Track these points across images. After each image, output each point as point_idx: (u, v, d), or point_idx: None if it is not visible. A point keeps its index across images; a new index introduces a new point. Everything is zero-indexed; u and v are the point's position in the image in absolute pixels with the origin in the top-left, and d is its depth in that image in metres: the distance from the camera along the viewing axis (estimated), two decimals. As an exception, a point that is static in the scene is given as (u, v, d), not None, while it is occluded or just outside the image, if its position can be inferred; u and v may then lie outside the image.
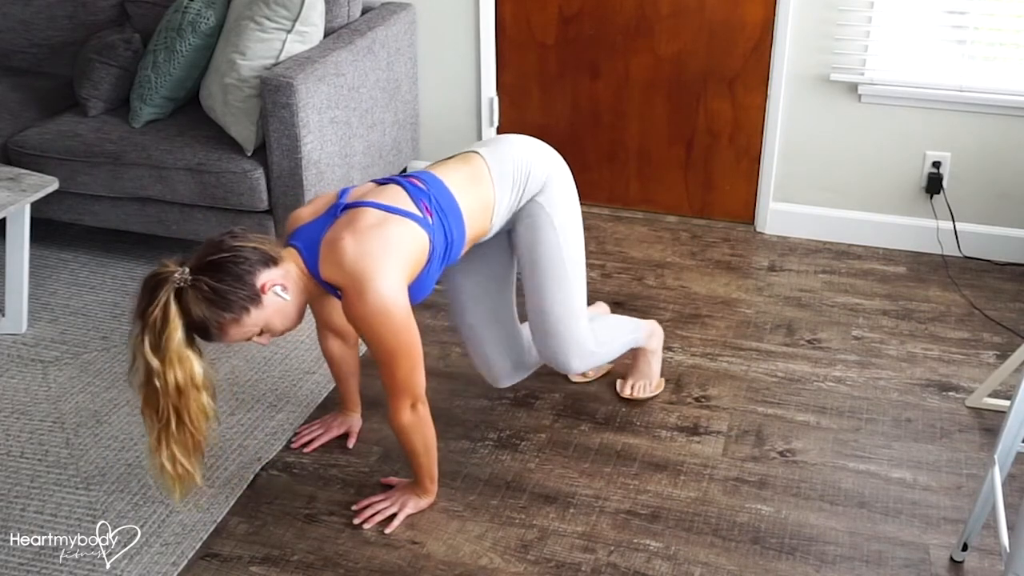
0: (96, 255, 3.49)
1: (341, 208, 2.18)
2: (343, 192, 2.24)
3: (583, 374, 2.80)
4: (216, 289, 1.99)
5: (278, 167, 3.10)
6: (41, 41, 3.80)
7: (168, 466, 2.05)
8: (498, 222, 2.35)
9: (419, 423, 2.26)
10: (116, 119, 3.38)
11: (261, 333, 2.11)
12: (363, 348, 2.88)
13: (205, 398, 2.04)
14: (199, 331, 2.03)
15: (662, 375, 2.84)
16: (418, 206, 2.20)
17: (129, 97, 3.41)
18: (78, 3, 3.72)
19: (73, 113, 3.44)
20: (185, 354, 1.99)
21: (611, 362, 2.79)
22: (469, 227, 2.28)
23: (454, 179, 2.28)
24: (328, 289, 2.17)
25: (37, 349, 3.00)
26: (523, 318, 2.58)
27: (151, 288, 1.99)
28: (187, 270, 2.00)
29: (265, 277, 2.05)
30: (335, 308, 2.42)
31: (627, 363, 2.80)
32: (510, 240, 2.44)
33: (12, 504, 2.41)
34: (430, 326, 3.08)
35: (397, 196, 2.21)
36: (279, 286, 2.07)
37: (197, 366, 2.01)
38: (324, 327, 2.52)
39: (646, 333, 2.74)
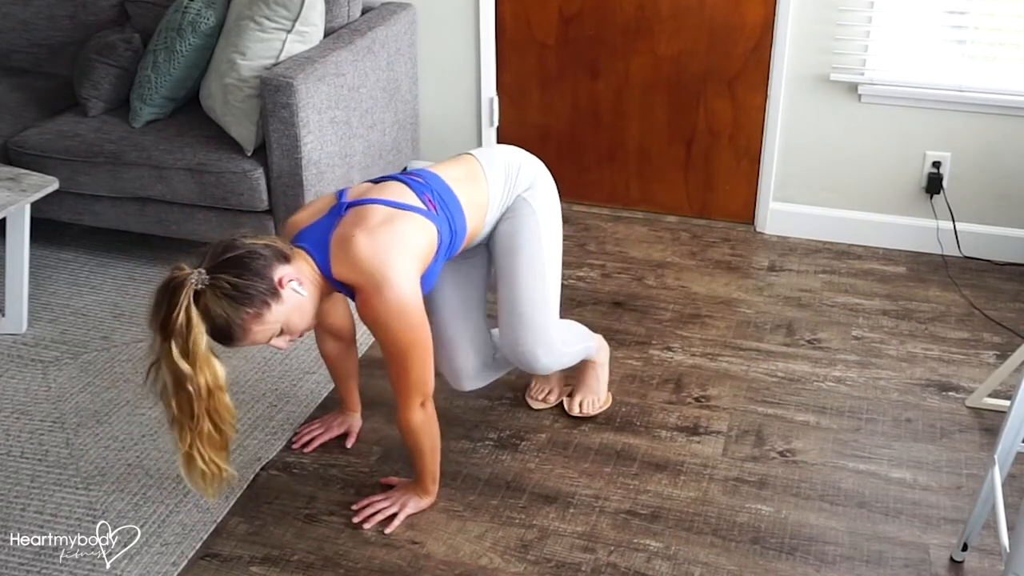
0: (96, 255, 3.49)
1: (344, 207, 2.18)
2: (341, 193, 2.24)
3: (544, 399, 2.74)
4: (236, 285, 1.97)
5: (278, 167, 3.10)
6: (41, 41, 3.80)
7: (204, 468, 2.05)
8: (491, 220, 2.36)
9: (428, 422, 2.26)
10: (116, 119, 3.38)
11: (281, 333, 2.09)
12: (362, 349, 2.88)
13: (227, 397, 2.04)
14: (221, 334, 2.00)
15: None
16: (421, 199, 2.21)
17: (129, 97, 3.41)
18: (78, 3, 3.72)
19: (73, 113, 3.44)
20: (209, 357, 1.99)
21: (565, 384, 2.76)
22: (468, 219, 2.29)
23: (451, 175, 2.31)
24: (340, 288, 2.16)
25: (37, 349, 3.00)
26: (493, 324, 2.55)
27: (170, 293, 1.95)
28: (203, 271, 1.97)
29: (281, 272, 2.05)
30: (332, 309, 2.42)
31: (572, 381, 2.74)
32: (489, 237, 2.44)
33: (12, 504, 2.41)
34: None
35: (400, 191, 2.22)
36: (295, 281, 2.07)
37: (219, 367, 2.01)
38: (321, 328, 2.51)
39: (597, 344, 2.69)
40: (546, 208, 2.40)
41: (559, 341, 2.46)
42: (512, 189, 2.37)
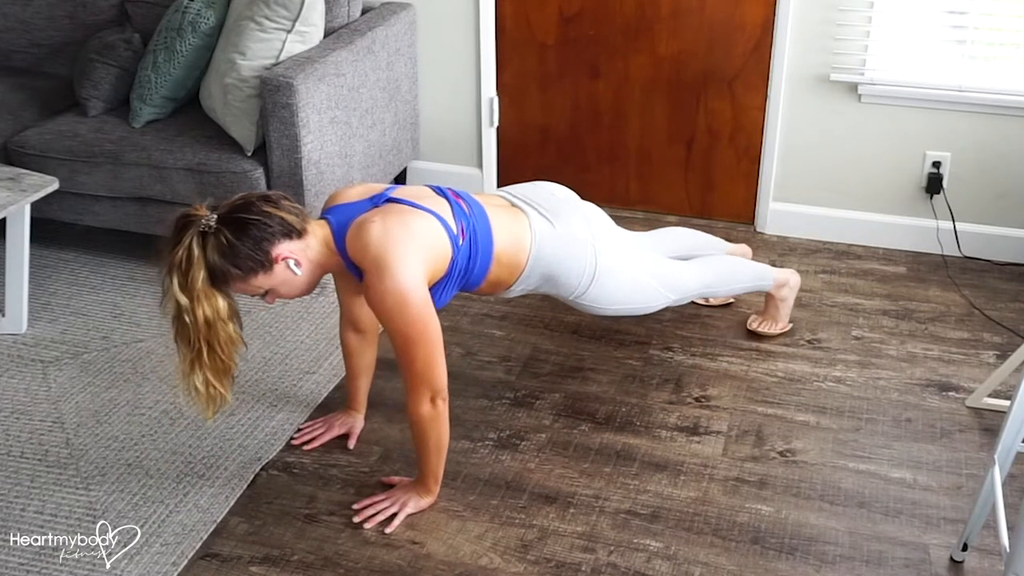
0: (96, 255, 3.49)
1: (384, 199, 2.27)
2: (391, 187, 2.34)
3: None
4: (233, 245, 2.09)
5: (278, 167, 3.10)
6: (41, 41, 3.80)
7: (201, 389, 2.17)
8: (518, 290, 2.47)
9: (437, 418, 2.27)
10: (116, 119, 3.39)
11: (266, 294, 2.21)
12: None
13: (232, 328, 2.16)
14: (212, 275, 2.11)
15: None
16: (456, 224, 2.28)
17: (129, 97, 3.41)
18: (78, 3, 3.72)
19: (73, 113, 3.44)
20: (211, 291, 2.11)
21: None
22: (493, 270, 2.36)
23: (499, 226, 2.37)
24: (350, 268, 2.24)
25: (37, 349, 3.00)
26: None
27: (178, 228, 2.11)
28: (215, 217, 2.11)
29: (282, 248, 2.15)
30: (361, 302, 2.43)
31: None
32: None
33: (12, 504, 2.41)
34: (430, 326, 3.08)
35: (440, 206, 2.30)
36: (293, 260, 2.17)
37: (222, 300, 2.13)
38: (346, 318, 2.54)
39: (775, 283, 2.93)
40: (604, 292, 2.52)
41: (685, 293, 2.70)
42: (548, 288, 2.48)
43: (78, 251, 3.52)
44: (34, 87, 3.64)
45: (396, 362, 2.26)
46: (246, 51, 3.14)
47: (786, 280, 2.96)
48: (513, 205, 2.46)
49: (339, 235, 2.22)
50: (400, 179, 3.85)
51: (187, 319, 2.10)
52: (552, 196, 2.55)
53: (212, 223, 2.10)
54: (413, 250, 2.17)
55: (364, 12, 3.57)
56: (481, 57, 3.69)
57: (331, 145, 3.19)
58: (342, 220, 2.24)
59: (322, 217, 2.29)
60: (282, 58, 3.15)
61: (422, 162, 3.90)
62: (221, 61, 3.23)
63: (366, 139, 3.40)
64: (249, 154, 3.16)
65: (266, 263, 2.14)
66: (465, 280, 2.35)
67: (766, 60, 3.44)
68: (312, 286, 2.27)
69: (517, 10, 3.64)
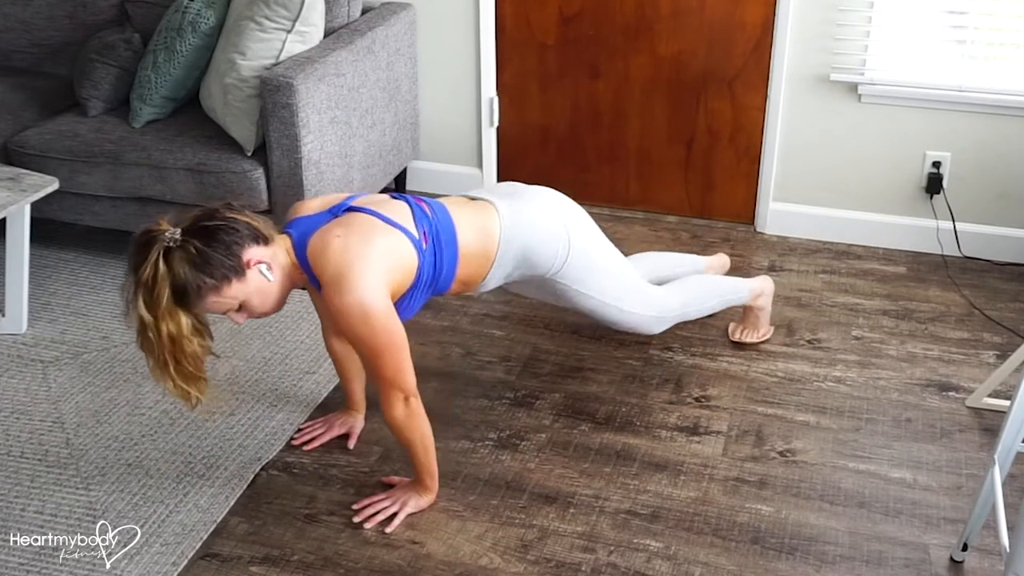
0: (96, 255, 3.49)
1: (343, 209, 2.23)
2: (352, 197, 2.30)
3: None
4: (203, 253, 2.04)
5: (278, 167, 3.10)
6: (41, 41, 3.80)
7: (172, 388, 2.13)
8: (493, 281, 2.44)
9: (412, 417, 2.27)
10: (116, 119, 3.38)
11: (239, 309, 2.15)
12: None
13: (197, 343, 2.10)
14: (178, 294, 2.05)
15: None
16: (417, 228, 2.25)
17: (129, 97, 3.41)
18: (78, 3, 3.72)
19: (73, 113, 3.44)
20: (175, 309, 2.05)
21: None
22: (462, 266, 2.33)
23: (464, 220, 2.34)
24: (312, 281, 2.20)
25: (37, 349, 3.00)
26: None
27: (142, 245, 2.05)
28: (179, 231, 2.05)
29: (253, 253, 2.11)
30: None
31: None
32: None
33: (12, 504, 2.41)
34: (430, 326, 3.08)
35: (400, 213, 2.27)
36: (264, 264, 2.12)
37: (185, 318, 2.07)
38: (327, 325, 2.54)
39: (751, 295, 2.91)
40: (580, 272, 2.49)
41: (659, 314, 2.69)
42: (526, 270, 2.45)
43: (78, 251, 3.52)
44: (34, 87, 3.64)
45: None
46: (246, 51, 3.14)
47: (761, 289, 2.93)
48: (474, 199, 2.43)
49: (300, 248, 2.18)
50: (400, 179, 3.85)
51: (151, 335, 2.06)
52: (514, 185, 2.56)
53: (177, 237, 2.04)
54: (372, 264, 2.13)
55: (364, 12, 3.57)
56: (481, 57, 3.69)
57: (331, 145, 3.19)
58: (302, 234, 2.20)
59: (284, 232, 2.24)
60: (282, 58, 3.15)
61: (422, 162, 3.90)
62: (221, 61, 3.23)
63: (366, 139, 3.39)
64: (249, 154, 3.16)
65: (238, 268, 2.08)
66: (434, 284, 2.32)
67: (766, 60, 3.44)
68: (283, 300, 2.21)
69: (517, 10, 3.64)
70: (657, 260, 2.98)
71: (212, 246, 2.05)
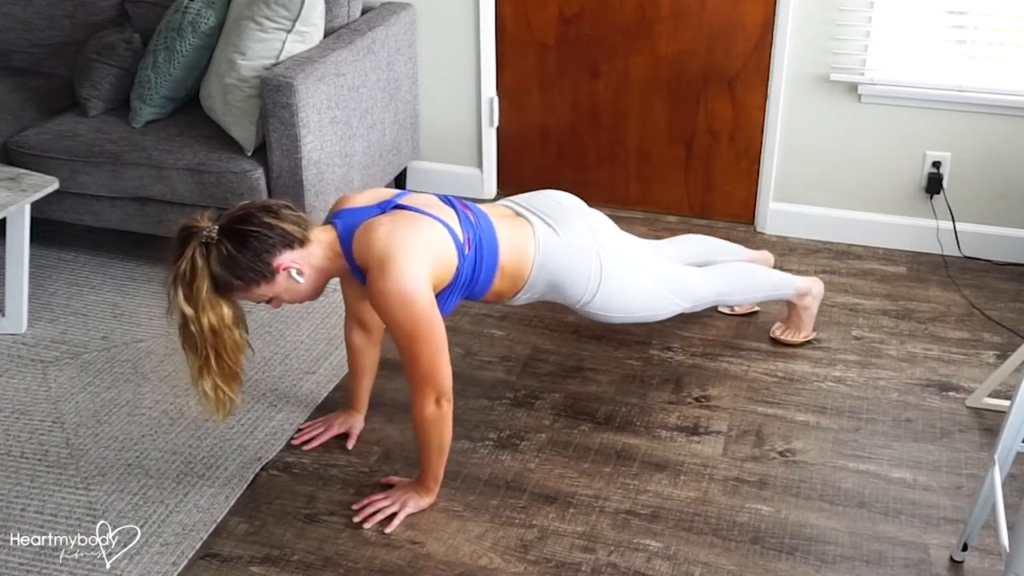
0: (96, 255, 3.49)
1: (392, 205, 2.27)
2: (400, 194, 2.34)
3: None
4: (234, 257, 2.12)
5: (278, 167, 3.10)
6: (41, 41, 3.80)
7: (211, 393, 2.19)
8: (522, 300, 2.48)
9: (441, 420, 2.27)
10: (116, 119, 3.39)
11: (270, 301, 2.23)
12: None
13: (238, 334, 2.19)
14: (217, 286, 2.15)
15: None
16: (463, 233, 2.29)
17: (129, 97, 3.41)
18: (78, 3, 3.72)
19: (73, 113, 3.44)
20: (215, 300, 2.13)
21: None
22: (498, 277, 2.37)
23: (504, 234, 2.38)
24: (355, 272, 2.24)
25: (37, 349, 3.00)
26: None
27: (181, 240, 2.13)
28: (216, 228, 2.13)
29: (283, 259, 2.16)
30: (367, 304, 2.43)
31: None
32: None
33: (12, 504, 2.41)
34: (430, 326, 3.08)
35: (448, 216, 2.30)
36: (295, 269, 2.18)
37: (227, 308, 2.16)
38: (351, 317, 2.55)
39: (796, 293, 2.89)
40: (611, 298, 2.52)
41: (698, 300, 2.71)
42: (554, 296, 2.49)
43: (78, 251, 3.52)
44: (34, 87, 3.65)
45: (399, 362, 2.26)
46: (246, 51, 3.14)
47: (808, 289, 2.92)
48: (518, 215, 2.47)
49: (345, 240, 2.23)
50: (400, 179, 3.85)
51: (193, 328, 2.13)
52: (559, 205, 2.55)
53: (214, 234, 2.12)
54: (418, 251, 2.17)
55: (364, 12, 3.57)
56: (481, 57, 3.69)
57: (331, 145, 3.19)
58: (349, 225, 2.24)
59: (329, 222, 2.30)
60: (282, 58, 3.15)
61: (422, 162, 3.90)
62: (221, 61, 3.23)
63: (366, 139, 3.40)
64: (249, 154, 3.16)
65: (267, 274, 2.15)
66: (469, 290, 2.36)
67: (766, 60, 3.44)
68: (318, 292, 2.28)
69: (517, 10, 3.64)
70: (700, 244, 2.99)
71: (242, 251, 2.12)
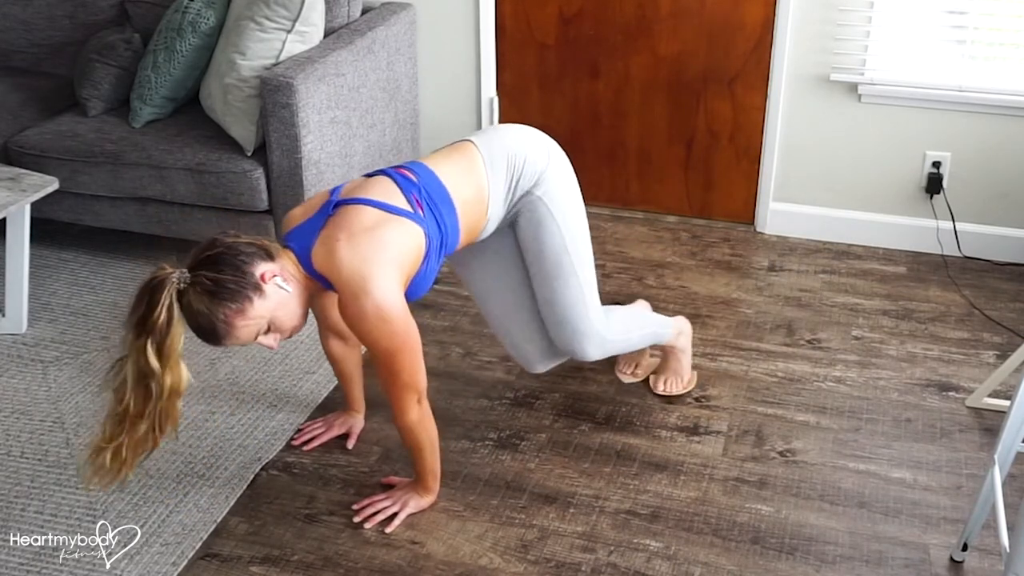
0: (96, 255, 3.50)
1: (333, 205, 2.18)
2: (335, 190, 2.24)
3: (632, 372, 2.85)
4: (216, 280, 1.99)
5: (278, 167, 3.10)
6: (41, 41, 3.80)
7: (109, 458, 2.04)
8: (495, 212, 2.34)
9: (425, 418, 2.27)
10: (116, 119, 3.39)
11: (268, 331, 2.10)
12: (364, 348, 2.88)
13: (180, 405, 2.07)
14: (205, 332, 2.02)
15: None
16: (408, 200, 2.20)
17: (129, 97, 3.41)
18: (78, 3, 3.72)
19: (73, 113, 3.44)
20: (181, 361, 2.01)
21: (653, 354, 2.86)
22: (463, 216, 2.27)
23: (446, 169, 2.28)
24: (324, 284, 2.17)
25: (37, 349, 3.00)
26: None
27: (151, 291, 1.97)
28: (185, 271, 2.00)
29: (264, 268, 2.06)
30: (335, 307, 2.42)
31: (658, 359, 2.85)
32: (515, 234, 2.45)
33: (12, 504, 2.41)
34: (430, 326, 3.08)
35: (388, 190, 2.20)
36: (279, 276, 2.08)
37: (186, 373, 2.03)
38: (325, 327, 2.52)
39: (674, 331, 2.75)
40: (563, 201, 2.39)
41: (606, 333, 2.52)
42: (518, 182, 2.34)
43: (78, 251, 3.52)
44: (34, 87, 3.65)
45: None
46: (246, 51, 3.14)
47: (680, 328, 2.78)
48: (450, 145, 2.38)
49: (304, 260, 2.14)
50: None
51: (152, 386, 1.98)
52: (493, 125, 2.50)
53: (186, 275, 1.99)
54: (384, 263, 2.10)
55: (364, 12, 3.57)
56: (481, 57, 3.69)
57: (331, 145, 3.19)
58: (302, 243, 2.16)
59: (285, 246, 2.19)
60: (282, 58, 3.14)
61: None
62: (221, 61, 3.24)
63: (366, 139, 3.40)
64: (249, 154, 3.16)
65: (256, 286, 2.03)
66: (443, 246, 2.26)
67: (766, 60, 3.44)
68: (306, 310, 2.18)
69: (517, 10, 3.64)
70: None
71: (223, 271, 2.00)
